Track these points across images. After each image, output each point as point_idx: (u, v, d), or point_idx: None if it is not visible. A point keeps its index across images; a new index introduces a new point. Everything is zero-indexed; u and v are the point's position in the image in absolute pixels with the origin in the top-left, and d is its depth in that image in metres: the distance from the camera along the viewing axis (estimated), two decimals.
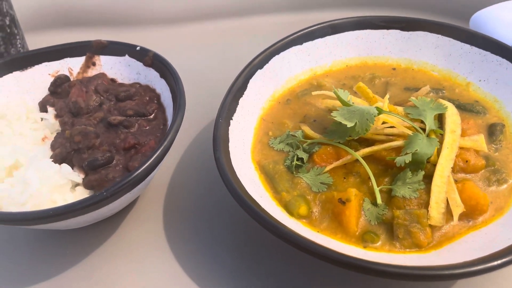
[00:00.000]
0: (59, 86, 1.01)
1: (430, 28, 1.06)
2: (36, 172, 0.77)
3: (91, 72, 1.05)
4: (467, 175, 0.85)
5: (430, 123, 0.86)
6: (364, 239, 0.77)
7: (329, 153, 0.88)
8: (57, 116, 0.95)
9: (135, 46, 1.02)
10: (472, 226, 0.79)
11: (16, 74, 1.01)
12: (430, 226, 0.77)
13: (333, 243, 0.75)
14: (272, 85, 1.04)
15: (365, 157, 0.85)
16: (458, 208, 0.77)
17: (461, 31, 1.04)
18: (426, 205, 0.79)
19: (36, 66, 1.03)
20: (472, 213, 0.79)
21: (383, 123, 0.89)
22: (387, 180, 0.84)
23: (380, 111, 0.84)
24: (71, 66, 1.05)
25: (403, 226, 0.77)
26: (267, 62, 1.03)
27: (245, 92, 0.97)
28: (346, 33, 1.09)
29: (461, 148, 0.85)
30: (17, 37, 1.23)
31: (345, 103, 0.87)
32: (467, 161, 0.84)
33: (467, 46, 1.03)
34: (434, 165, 0.83)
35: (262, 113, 1.00)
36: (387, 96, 0.92)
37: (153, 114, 0.94)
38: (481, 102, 0.99)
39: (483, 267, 0.65)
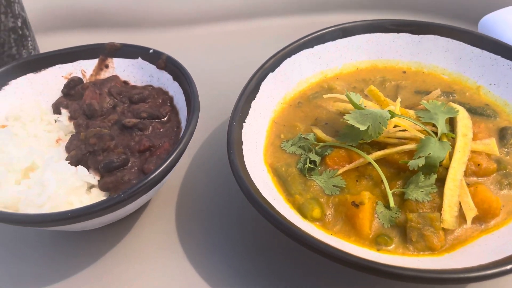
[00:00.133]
0: (73, 88, 1.02)
1: (440, 31, 1.07)
2: (53, 174, 0.78)
3: (104, 74, 1.05)
4: (479, 178, 0.86)
5: (442, 127, 0.86)
6: (378, 242, 0.78)
7: (341, 156, 0.89)
8: (71, 118, 0.96)
9: (148, 48, 1.02)
10: (484, 229, 0.79)
11: (30, 76, 1.02)
12: (443, 229, 0.78)
13: (347, 246, 0.76)
14: (284, 88, 1.04)
15: (377, 160, 0.85)
16: (471, 212, 0.78)
17: (471, 35, 1.04)
18: (439, 208, 0.80)
19: (50, 68, 1.03)
20: (484, 217, 0.80)
21: (395, 126, 0.89)
22: (400, 183, 0.84)
23: (393, 114, 0.85)
24: (84, 68, 1.05)
25: (417, 229, 0.77)
26: (279, 65, 1.03)
27: (257, 95, 0.98)
28: (356, 36, 1.10)
29: (472, 151, 0.86)
30: (29, 38, 1.24)
31: (357, 106, 0.88)
32: (479, 165, 0.85)
33: (478, 50, 1.03)
34: (446, 168, 0.83)
35: (274, 116, 1.01)
36: (399, 99, 0.93)
37: (166, 117, 0.95)
38: (491, 105, 0.99)
39: (498, 271, 0.66)
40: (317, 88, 1.07)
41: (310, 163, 0.89)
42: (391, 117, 0.84)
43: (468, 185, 0.82)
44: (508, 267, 0.66)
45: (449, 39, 1.06)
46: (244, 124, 0.92)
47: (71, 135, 0.92)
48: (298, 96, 1.06)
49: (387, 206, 0.82)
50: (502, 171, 0.86)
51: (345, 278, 0.81)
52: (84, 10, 1.48)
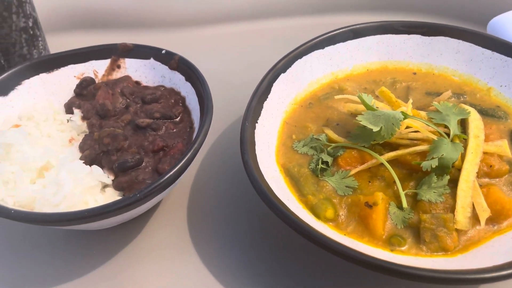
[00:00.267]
0: (85, 88, 1.02)
1: (451, 33, 1.07)
2: (69, 174, 0.78)
3: (116, 74, 1.06)
4: (491, 180, 0.86)
5: (454, 128, 0.87)
6: (391, 242, 0.78)
7: (353, 157, 0.89)
8: (83, 118, 0.96)
9: (161, 49, 1.03)
10: (497, 230, 0.80)
11: (43, 76, 1.02)
12: (456, 230, 0.78)
13: (361, 246, 0.76)
14: (295, 89, 1.05)
15: (389, 161, 0.86)
16: (484, 213, 0.78)
17: (482, 36, 1.05)
18: (452, 209, 0.80)
19: (62, 68, 1.04)
20: (497, 218, 0.80)
21: (407, 127, 0.90)
22: (412, 184, 0.85)
23: (405, 115, 0.85)
24: (96, 68, 1.06)
25: (430, 230, 0.78)
26: (290, 66, 1.04)
27: (269, 96, 0.98)
28: (367, 37, 1.10)
29: (484, 153, 0.86)
30: (39, 39, 1.24)
31: (370, 107, 0.88)
32: (491, 166, 0.85)
33: (489, 51, 1.04)
34: (458, 169, 0.84)
35: (285, 117, 1.01)
36: (411, 100, 0.93)
37: (179, 117, 0.95)
38: (502, 107, 1.00)
39: None
40: (328, 89, 1.08)
41: (322, 163, 0.89)
42: (404, 118, 0.85)
43: (480, 186, 0.82)
44: None
45: (460, 41, 1.06)
46: (256, 124, 0.92)
47: (84, 135, 0.92)
48: (309, 97, 1.06)
49: (399, 207, 0.82)
50: None
51: (356, 277, 0.82)
52: (94, 10, 1.49)
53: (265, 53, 1.20)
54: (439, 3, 1.44)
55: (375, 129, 0.84)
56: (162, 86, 1.03)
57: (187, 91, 0.98)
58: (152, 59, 1.04)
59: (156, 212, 0.96)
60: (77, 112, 0.98)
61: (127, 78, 1.03)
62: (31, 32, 1.19)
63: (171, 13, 1.48)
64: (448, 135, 0.86)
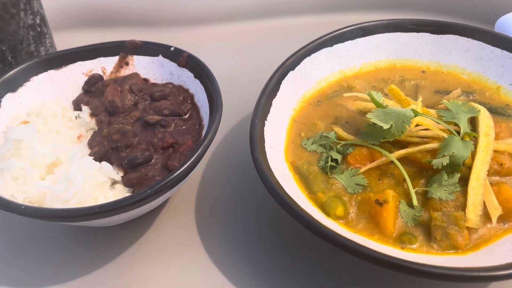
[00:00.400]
0: (93, 85, 1.02)
1: (460, 31, 1.07)
2: (79, 170, 0.78)
3: (124, 71, 1.06)
4: (502, 178, 0.85)
5: (464, 126, 0.86)
6: (402, 240, 0.78)
7: (363, 155, 0.89)
8: (92, 114, 0.96)
9: (169, 46, 1.03)
10: (508, 228, 0.79)
11: (51, 72, 1.02)
12: (467, 228, 0.78)
13: (372, 244, 0.76)
14: (303, 87, 1.05)
15: (399, 159, 0.85)
16: (496, 211, 0.78)
17: (492, 35, 1.04)
18: (463, 207, 0.80)
19: (70, 65, 1.04)
20: (508, 216, 0.80)
21: (417, 125, 0.89)
22: (422, 182, 0.84)
23: (416, 113, 0.85)
24: (105, 65, 1.06)
25: (441, 228, 0.77)
26: (299, 64, 1.04)
27: (278, 93, 0.98)
28: (376, 35, 1.10)
29: (495, 151, 0.86)
30: (47, 36, 1.24)
31: (380, 105, 0.88)
32: (501, 164, 0.85)
33: (498, 50, 1.03)
34: (469, 168, 0.84)
35: (294, 114, 1.01)
36: (420, 98, 0.93)
37: (187, 114, 0.95)
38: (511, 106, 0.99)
39: None
40: (336, 87, 1.07)
41: (331, 161, 0.89)
42: (414, 116, 0.84)
43: (491, 184, 0.82)
44: None
45: (469, 39, 1.06)
46: (265, 122, 0.92)
47: (93, 132, 0.92)
48: (317, 94, 1.06)
49: (410, 204, 0.82)
50: None
51: (367, 275, 0.82)
52: (101, 8, 1.49)
53: (273, 51, 1.20)
54: (447, 2, 1.44)
55: (386, 126, 0.83)
56: (171, 83, 1.03)
57: (195, 88, 0.98)
58: (160, 56, 1.04)
59: (164, 210, 0.96)
60: (85, 109, 0.98)
61: (135, 75, 1.03)
62: (39, 29, 1.19)
63: (180, 11, 1.48)
64: (458, 133, 0.86)
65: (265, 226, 0.91)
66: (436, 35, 1.09)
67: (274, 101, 0.97)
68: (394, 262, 0.67)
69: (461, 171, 0.83)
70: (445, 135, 0.85)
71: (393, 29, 1.10)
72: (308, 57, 1.05)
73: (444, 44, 1.08)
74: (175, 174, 0.75)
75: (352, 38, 1.09)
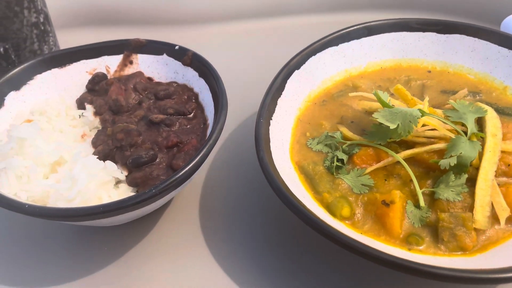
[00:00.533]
0: (97, 83, 1.01)
1: (467, 31, 1.06)
2: (83, 169, 0.77)
3: (128, 70, 1.05)
4: (509, 179, 0.84)
5: (472, 126, 0.85)
6: (409, 241, 0.77)
7: (369, 155, 0.88)
8: (96, 113, 0.96)
9: (174, 45, 1.02)
10: None
11: (55, 71, 1.02)
12: (475, 229, 0.77)
13: (379, 245, 0.75)
14: (308, 86, 1.04)
15: (405, 159, 0.85)
16: (504, 212, 0.77)
17: (498, 34, 1.04)
18: (470, 208, 0.79)
19: (74, 64, 1.03)
20: None
21: (423, 125, 0.89)
22: (429, 183, 0.84)
23: (423, 113, 0.84)
24: (109, 64, 1.05)
25: (449, 229, 0.77)
26: (304, 63, 1.03)
27: (283, 93, 0.97)
28: (381, 35, 1.09)
29: (502, 152, 0.85)
30: (50, 34, 1.24)
31: (386, 105, 0.87)
32: (509, 165, 0.84)
33: (505, 50, 1.02)
34: (476, 168, 0.83)
35: (299, 114, 1.00)
36: (427, 98, 0.92)
37: (192, 113, 0.95)
38: None
39: None
40: (342, 86, 1.07)
41: (337, 161, 0.88)
42: (421, 116, 0.84)
43: (498, 185, 0.81)
44: None
45: (476, 39, 1.05)
46: (271, 121, 0.91)
47: (97, 130, 0.92)
48: (322, 94, 1.05)
49: (417, 205, 0.81)
50: None
51: (373, 276, 0.81)
52: (104, 6, 1.48)
53: (278, 50, 1.20)
54: (452, 2, 1.43)
55: (392, 126, 0.83)
56: (175, 82, 1.02)
57: (200, 87, 0.97)
58: (165, 55, 1.03)
59: (167, 209, 0.95)
60: (89, 107, 0.97)
61: (139, 74, 1.02)
62: (42, 28, 1.19)
63: (184, 10, 1.48)
64: (465, 133, 0.85)
65: (270, 226, 0.90)
66: (443, 35, 1.08)
67: (279, 101, 0.96)
68: (402, 263, 0.66)
69: (468, 171, 0.82)
70: (452, 136, 0.84)
71: (399, 29, 1.09)
72: (313, 56, 1.04)
73: (451, 43, 1.08)
74: (180, 174, 0.74)
75: (358, 38, 1.09)
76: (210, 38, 1.43)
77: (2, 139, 0.89)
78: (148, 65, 1.04)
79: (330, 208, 0.82)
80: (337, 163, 0.88)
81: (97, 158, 0.83)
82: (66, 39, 1.33)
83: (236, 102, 1.12)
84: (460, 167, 0.81)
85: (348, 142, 0.91)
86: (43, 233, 0.91)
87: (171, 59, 1.02)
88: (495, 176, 0.82)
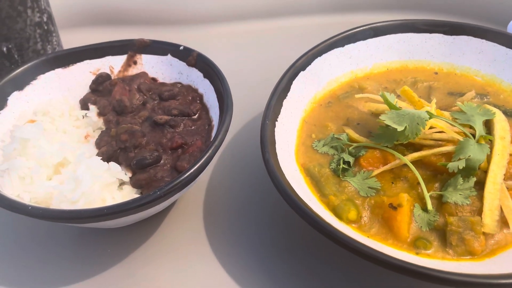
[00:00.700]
0: (101, 84, 1.01)
1: (474, 32, 1.05)
2: (87, 170, 0.77)
3: (132, 71, 1.04)
4: None
5: (480, 129, 0.84)
6: (416, 245, 0.76)
7: (376, 157, 0.87)
8: (99, 114, 0.95)
9: (179, 45, 1.01)
10: None
11: (58, 71, 1.01)
12: (484, 233, 0.76)
13: (386, 249, 0.74)
14: (314, 87, 1.03)
15: (412, 162, 0.84)
16: None
17: (506, 36, 1.02)
18: (479, 212, 0.78)
19: (78, 64, 1.03)
20: None
21: (430, 127, 0.88)
22: (437, 186, 0.83)
23: (430, 115, 0.83)
24: (112, 64, 1.04)
25: (457, 233, 0.76)
26: (310, 64, 1.02)
27: (288, 94, 0.96)
28: (388, 36, 1.08)
29: (511, 155, 0.84)
30: (53, 34, 1.23)
31: (393, 107, 0.86)
32: None
33: None
34: (484, 171, 0.82)
35: (304, 115, 0.99)
36: (434, 100, 0.91)
37: (197, 114, 0.94)
38: None
39: None
40: (347, 88, 1.06)
41: (343, 163, 0.87)
42: (429, 118, 0.83)
43: (507, 189, 0.80)
44: None
45: (483, 40, 1.04)
46: (276, 123, 0.90)
47: (101, 131, 0.91)
48: (328, 95, 1.04)
49: (424, 209, 0.80)
50: None
51: (380, 280, 0.80)
52: (108, 6, 1.48)
53: (283, 52, 1.19)
54: (459, 3, 1.42)
55: (400, 128, 0.82)
56: (179, 83, 1.01)
57: (205, 88, 0.96)
58: (169, 56, 1.02)
59: (171, 212, 0.94)
60: (93, 108, 0.96)
61: (143, 74, 1.01)
62: (46, 27, 1.18)
63: (189, 10, 1.47)
64: (473, 136, 0.84)
65: (275, 229, 0.89)
66: (450, 36, 1.07)
67: (285, 102, 0.95)
68: (410, 268, 0.65)
69: (476, 175, 0.81)
70: (461, 138, 0.83)
71: (405, 30, 1.08)
72: (319, 58, 1.03)
73: (458, 45, 1.06)
74: (185, 175, 0.73)
75: (364, 39, 1.07)
76: (215, 39, 1.43)
77: (5, 139, 0.88)
78: (152, 66, 1.03)
79: (336, 211, 0.81)
80: (343, 166, 0.87)
81: (100, 159, 0.82)
82: (70, 39, 1.32)
83: (240, 103, 1.11)
84: (469, 170, 0.80)
85: (355, 144, 0.90)
86: (46, 235, 0.90)
87: (176, 59, 1.01)
88: (504, 179, 0.81)
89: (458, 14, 1.40)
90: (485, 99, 1.00)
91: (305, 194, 0.81)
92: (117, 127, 0.88)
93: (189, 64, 0.99)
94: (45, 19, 1.18)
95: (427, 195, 0.80)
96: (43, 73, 0.99)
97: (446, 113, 0.91)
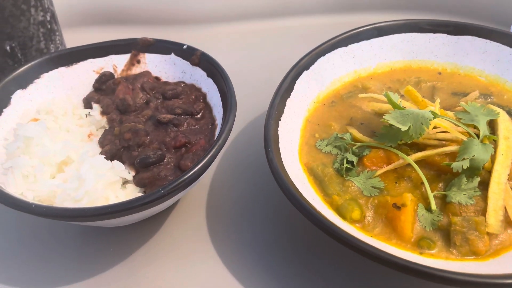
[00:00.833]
0: (104, 83, 1.01)
1: (478, 33, 1.05)
2: (91, 169, 0.77)
3: (135, 70, 1.04)
4: None
5: (484, 129, 0.84)
6: (420, 245, 0.76)
7: (379, 157, 0.87)
8: (103, 113, 0.95)
9: (182, 44, 1.01)
10: None
11: (62, 69, 1.01)
12: (488, 233, 0.76)
13: (390, 249, 0.74)
14: (317, 87, 1.03)
15: (416, 162, 0.83)
16: None
17: (511, 37, 1.02)
18: (483, 212, 0.78)
19: (81, 63, 1.03)
20: None
21: (434, 127, 0.87)
22: (440, 186, 0.82)
23: (434, 115, 0.83)
24: (116, 63, 1.04)
25: (461, 233, 0.75)
26: (313, 63, 1.02)
27: (292, 93, 0.96)
28: (391, 36, 1.08)
29: None
30: (57, 33, 1.23)
31: (397, 106, 0.86)
32: None
33: None
34: (488, 171, 0.81)
35: (308, 115, 0.99)
36: (438, 100, 0.91)
37: (200, 113, 0.94)
38: None
39: None
40: (351, 87, 1.06)
41: (347, 163, 0.87)
42: (433, 118, 0.82)
43: (511, 189, 0.80)
44: None
45: (487, 41, 1.04)
46: (280, 122, 0.90)
47: (104, 130, 0.91)
48: (331, 95, 1.04)
49: (428, 208, 0.80)
50: None
51: (384, 280, 0.80)
52: (111, 5, 1.48)
53: (286, 51, 1.19)
54: (463, 3, 1.42)
55: (403, 128, 0.81)
56: (183, 82, 1.01)
57: (208, 87, 0.96)
58: (173, 55, 1.02)
59: (174, 211, 0.94)
60: (96, 107, 0.96)
61: (147, 73, 1.01)
62: (49, 26, 1.18)
63: (192, 9, 1.47)
64: (477, 136, 0.84)
65: (278, 228, 0.89)
66: (453, 36, 1.07)
67: (288, 101, 0.95)
68: (414, 267, 0.65)
69: (480, 175, 0.81)
70: (465, 138, 0.83)
71: (409, 30, 1.08)
72: (322, 57, 1.03)
73: (461, 45, 1.06)
74: (189, 174, 0.73)
75: (368, 38, 1.07)
76: (218, 38, 1.43)
77: (9, 138, 0.88)
78: (156, 65, 1.03)
79: (340, 211, 0.81)
80: (347, 165, 0.87)
81: (104, 158, 0.82)
82: (73, 38, 1.32)
83: (243, 103, 1.11)
84: (473, 170, 0.80)
85: (358, 144, 0.90)
86: (49, 233, 0.90)
87: (179, 58, 1.01)
88: (508, 179, 0.81)
89: (462, 14, 1.40)
90: (489, 99, 1.00)
91: (309, 194, 0.81)
92: (120, 125, 0.88)
93: (193, 63, 0.99)
94: (48, 18, 1.18)
95: (431, 195, 0.80)
96: (47, 71, 0.99)
97: (450, 113, 0.90)
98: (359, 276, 0.81)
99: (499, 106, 0.95)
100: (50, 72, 1.00)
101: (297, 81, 0.98)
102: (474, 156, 0.79)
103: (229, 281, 0.82)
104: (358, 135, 0.92)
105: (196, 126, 0.91)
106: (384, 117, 0.84)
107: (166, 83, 1.01)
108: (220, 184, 0.99)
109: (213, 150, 0.77)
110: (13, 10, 1.06)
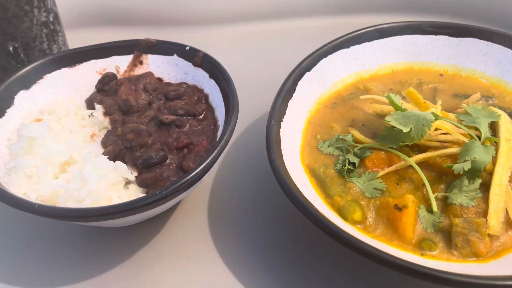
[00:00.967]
0: (107, 83, 1.01)
1: (480, 34, 1.05)
2: (94, 169, 0.77)
3: (138, 70, 1.05)
4: None
5: (485, 131, 0.85)
6: (421, 246, 0.76)
7: (381, 158, 0.87)
8: (105, 113, 0.95)
9: (185, 45, 1.01)
10: None
11: (64, 70, 1.01)
12: (489, 235, 0.76)
13: (392, 250, 0.74)
14: (319, 88, 1.03)
15: (418, 163, 0.84)
16: None
17: None
18: (484, 214, 0.78)
19: (84, 63, 1.03)
20: None
21: (436, 129, 0.88)
22: (442, 188, 0.83)
23: (436, 116, 0.83)
24: (118, 64, 1.05)
25: (462, 234, 0.76)
26: (315, 65, 1.02)
27: (293, 95, 0.97)
28: (393, 37, 1.08)
29: None
30: (59, 34, 1.23)
31: (399, 108, 0.86)
32: None
33: None
34: (489, 173, 0.82)
35: (309, 116, 1.00)
36: (440, 101, 0.91)
37: (202, 114, 0.94)
38: None
39: None
40: (352, 89, 1.06)
41: (349, 164, 0.87)
42: (435, 120, 0.83)
43: None
44: None
45: (489, 43, 1.04)
46: (282, 123, 0.90)
47: (107, 131, 0.91)
48: (333, 96, 1.04)
49: (429, 210, 0.80)
50: None
51: (386, 281, 0.80)
52: (114, 6, 1.48)
53: (288, 53, 1.19)
54: (465, 5, 1.42)
55: (405, 130, 0.82)
56: (185, 83, 1.02)
57: (210, 88, 0.97)
58: (175, 56, 1.02)
59: (175, 211, 0.94)
60: (98, 107, 0.97)
61: (149, 74, 1.02)
62: (52, 27, 1.19)
63: (195, 11, 1.47)
64: (478, 138, 0.84)
65: (280, 229, 0.89)
66: (455, 38, 1.07)
67: (290, 103, 0.95)
68: (416, 269, 0.66)
69: (481, 176, 0.81)
70: (466, 140, 0.83)
71: (411, 32, 1.08)
72: (324, 58, 1.04)
73: (463, 47, 1.07)
74: (192, 175, 0.74)
75: (369, 40, 1.08)
76: (220, 40, 1.43)
77: (12, 138, 0.89)
78: (158, 66, 1.04)
79: (341, 212, 0.81)
80: (349, 166, 0.87)
81: (107, 158, 0.83)
82: (76, 39, 1.32)
83: (245, 104, 1.12)
84: (474, 172, 0.80)
85: (360, 145, 0.90)
86: (51, 233, 0.90)
87: (182, 59, 1.02)
88: (509, 181, 0.81)
89: (463, 16, 1.40)
90: (490, 101, 1.00)
91: (310, 195, 0.81)
92: (123, 126, 0.88)
93: (195, 64, 1.00)
94: (51, 19, 1.18)
95: (432, 196, 0.80)
96: (50, 72, 1.00)
97: (452, 115, 0.91)
98: (360, 277, 0.81)
99: (500, 108, 0.96)
100: (53, 73, 1.00)
101: (299, 83, 0.99)
102: (475, 158, 0.79)
103: (231, 281, 0.82)
104: (359, 136, 0.92)
105: (198, 127, 0.91)
106: (385, 118, 0.85)
107: (169, 84, 1.02)
108: (222, 185, 0.99)
109: (215, 151, 0.77)
110: (16, 10, 1.07)
